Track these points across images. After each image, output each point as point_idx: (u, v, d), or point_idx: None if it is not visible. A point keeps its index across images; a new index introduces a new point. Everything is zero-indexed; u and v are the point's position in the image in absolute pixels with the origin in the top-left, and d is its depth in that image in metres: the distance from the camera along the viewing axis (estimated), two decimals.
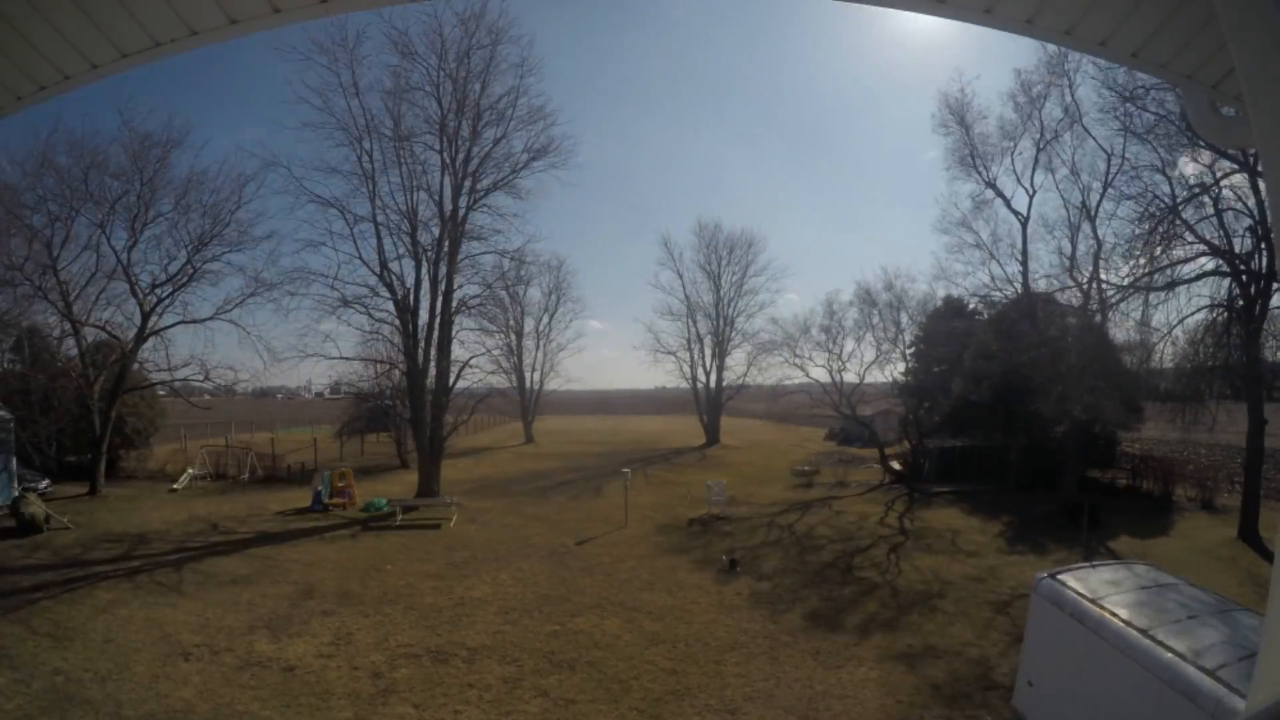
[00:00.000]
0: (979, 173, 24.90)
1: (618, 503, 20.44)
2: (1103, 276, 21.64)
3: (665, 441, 45.03)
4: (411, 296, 22.95)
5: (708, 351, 46.87)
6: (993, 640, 10.66)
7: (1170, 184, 19.05)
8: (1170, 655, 5.66)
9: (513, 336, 45.23)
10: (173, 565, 14.47)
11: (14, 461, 20.84)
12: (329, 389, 53.42)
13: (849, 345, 30.16)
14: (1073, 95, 22.03)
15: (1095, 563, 8.48)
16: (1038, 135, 23.11)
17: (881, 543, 16.87)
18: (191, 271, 24.88)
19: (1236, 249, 18.13)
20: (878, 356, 29.53)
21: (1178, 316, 19.33)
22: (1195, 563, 14.46)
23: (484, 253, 24.19)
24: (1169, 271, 19.06)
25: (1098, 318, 21.80)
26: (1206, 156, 17.92)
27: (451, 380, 23.89)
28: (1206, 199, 18.42)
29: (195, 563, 14.73)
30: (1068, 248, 22.76)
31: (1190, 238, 18.63)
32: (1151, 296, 19.44)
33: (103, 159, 23.53)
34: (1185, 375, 19.30)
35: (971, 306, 27.62)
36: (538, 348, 51.99)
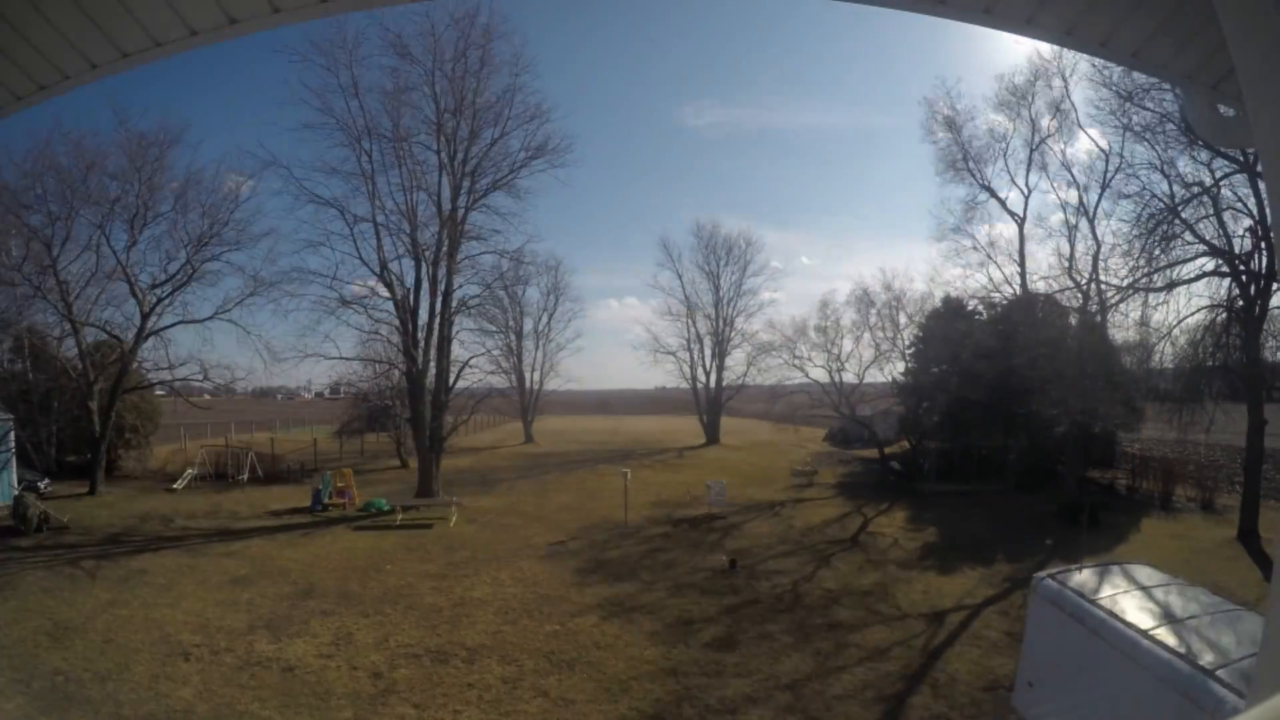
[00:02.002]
0: (973, 176, 25.00)
1: (617, 503, 20.43)
2: (1101, 277, 21.66)
3: (665, 442, 45.00)
4: (411, 296, 22.97)
5: (707, 352, 46.96)
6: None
7: (1169, 184, 19.07)
8: (1170, 655, 5.66)
9: (512, 336, 45.32)
10: (172, 565, 14.46)
11: (14, 461, 20.83)
12: (329, 389, 53.38)
13: (847, 345, 30.23)
14: (1068, 96, 22.11)
15: (1095, 563, 8.49)
16: (1030, 135, 23.20)
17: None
18: (191, 271, 24.92)
19: (1236, 249, 18.13)
20: (876, 357, 29.58)
21: (1177, 317, 19.34)
22: (1194, 563, 14.45)
23: (483, 253, 24.24)
24: (1168, 272, 19.08)
25: (1097, 318, 21.80)
26: (1205, 156, 17.93)
27: (451, 380, 23.91)
28: (1206, 199, 18.44)
29: (195, 562, 14.72)
30: (1066, 248, 22.81)
31: (1189, 238, 18.65)
32: (1151, 297, 19.46)
33: (102, 159, 23.58)
34: (1185, 375, 19.28)
35: (970, 307, 27.66)
36: (537, 348, 52.09)
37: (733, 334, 46.25)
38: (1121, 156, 20.48)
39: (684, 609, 12.08)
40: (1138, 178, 19.81)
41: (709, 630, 11.09)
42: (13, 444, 20.83)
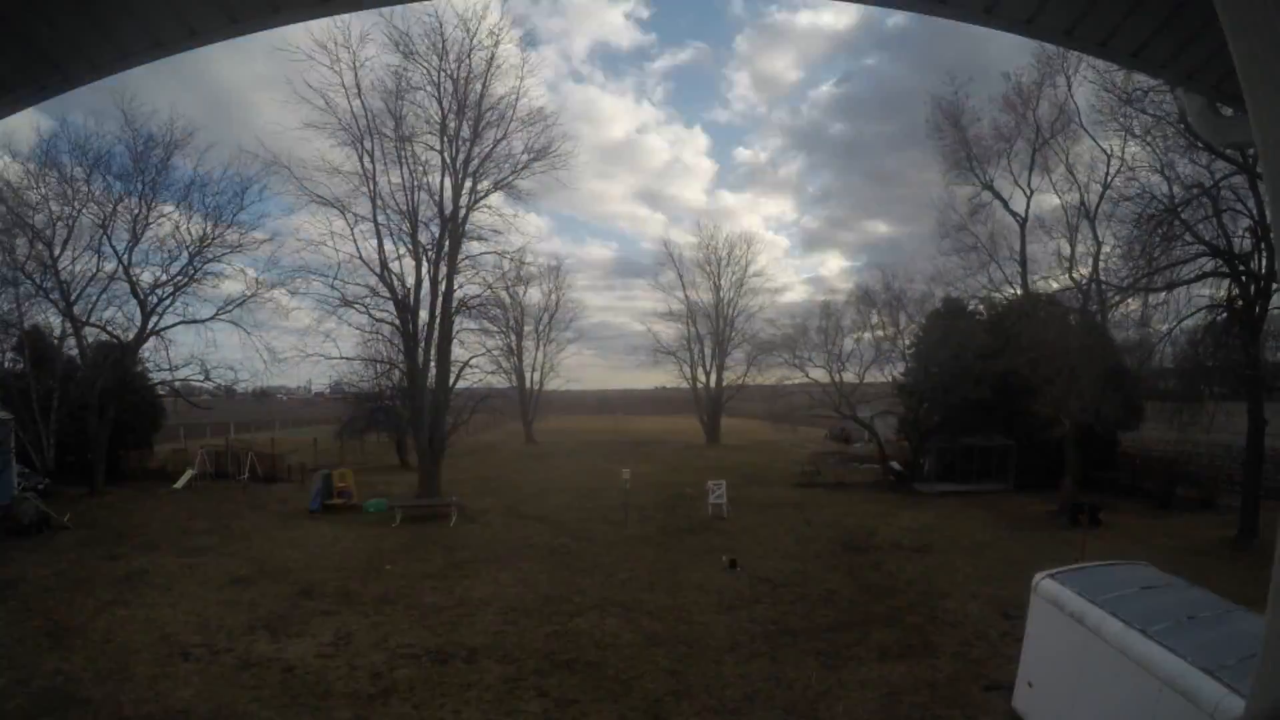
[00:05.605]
0: (975, 175, 25.01)
1: (617, 503, 20.44)
2: (1102, 277, 21.66)
3: (665, 442, 45.03)
4: (411, 296, 22.98)
5: (707, 352, 47.03)
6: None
7: (1169, 185, 19.06)
8: (1170, 655, 5.65)
9: (513, 337, 45.39)
10: (172, 565, 14.46)
11: (14, 461, 20.82)
12: (329, 389, 53.49)
13: (848, 345, 30.22)
14: (1071, 96, 22.12)
15: (1094, 563, 8.49)
16: (1033, 136, 23.20)
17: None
18: (192, 272, 24.93)
19: (1236, 249, 18.11)
20: (877, 356, 29.56)
21: (1177, 317, 19.31)
22: (1194, 563, 14.41)
23: (484, 253, 24.28)
24: (1168, 272, 19.04)
25: (1097, 318, 21.81)
26: (1205, 158, 17.90)
27: (451, 380, 23.92)
28: (1205, 200, 18.41)
29: (195, 562, 14.72)
30: (1066, 249, 22.83)
31: (1189, 238, 18.62)
32: (1151, 297, 19.42)
33: (105, 159, 23.63)
34: (1185, 375, 19.28)
35: (971, 307, 27.64)
36: (538, 348, 52.18)
37: (733, 334, 46.39)
38: (1122, 159, 20.54)
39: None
40: (1138, 179, 19.84)
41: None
42: (13, 444, 20.82)
